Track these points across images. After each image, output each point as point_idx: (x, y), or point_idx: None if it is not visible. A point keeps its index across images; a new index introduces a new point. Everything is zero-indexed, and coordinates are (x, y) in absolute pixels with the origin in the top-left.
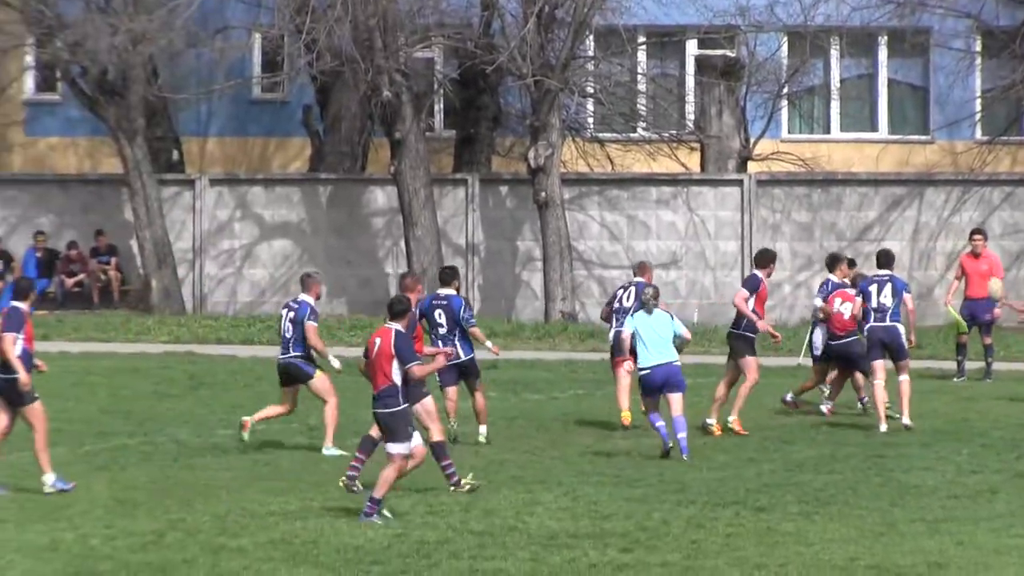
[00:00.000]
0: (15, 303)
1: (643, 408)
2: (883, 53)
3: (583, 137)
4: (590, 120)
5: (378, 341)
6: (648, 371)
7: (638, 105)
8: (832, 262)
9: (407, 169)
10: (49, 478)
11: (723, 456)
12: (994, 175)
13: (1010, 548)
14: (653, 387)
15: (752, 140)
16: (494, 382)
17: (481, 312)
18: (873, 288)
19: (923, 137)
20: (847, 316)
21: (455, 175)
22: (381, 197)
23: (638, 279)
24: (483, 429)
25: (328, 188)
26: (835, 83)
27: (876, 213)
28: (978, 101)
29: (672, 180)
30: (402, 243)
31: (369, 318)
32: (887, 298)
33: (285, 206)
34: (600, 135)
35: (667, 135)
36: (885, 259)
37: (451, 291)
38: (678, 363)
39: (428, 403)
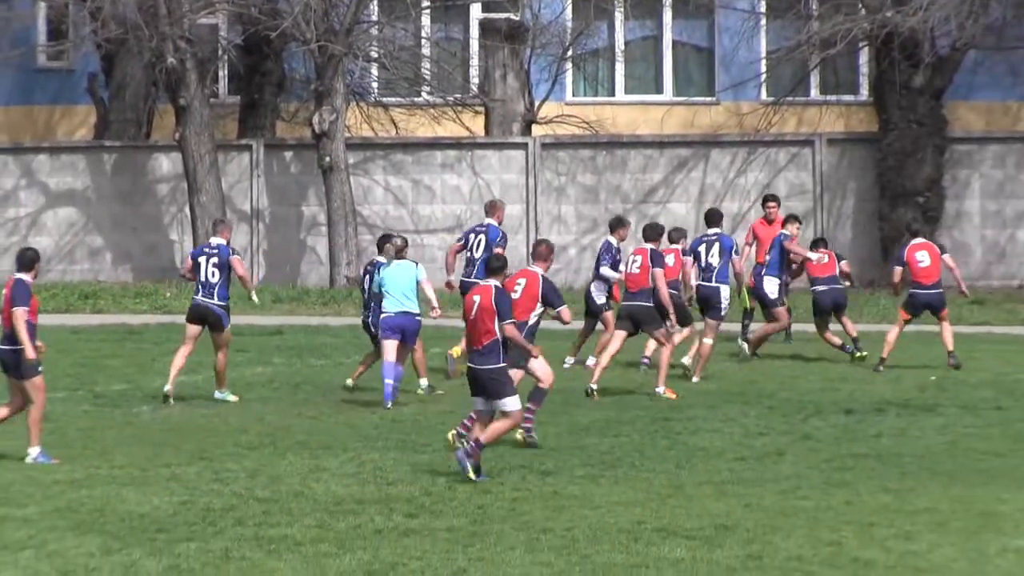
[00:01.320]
0: (20, 275)
1: None
2: (668, 15)
3: (367, 102)
4: (374, 85)
5: (477, 298)
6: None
7: (422, 69)
8: (617, 224)
9: (191, 135)
10: (34, 451)
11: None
12: (780, 136)
13: (797, 510)
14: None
15: (537, 103)
16: (278, 348)
17: (266, 278)
18: (702, 248)
19: (708, 99)
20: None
21: (240, 141)
22: (166, 164)
23: (489, 221)
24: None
25: (113, 155)
26: (620, 45)
27: (661, 175)
28: (763, 62)
29: (457, 144)
30: (187, 209)
31: (154, 284)
32: (715, 258)
33: (70, 174)
34: (384, 100)
35: (451, 99)
36: (713, 218)
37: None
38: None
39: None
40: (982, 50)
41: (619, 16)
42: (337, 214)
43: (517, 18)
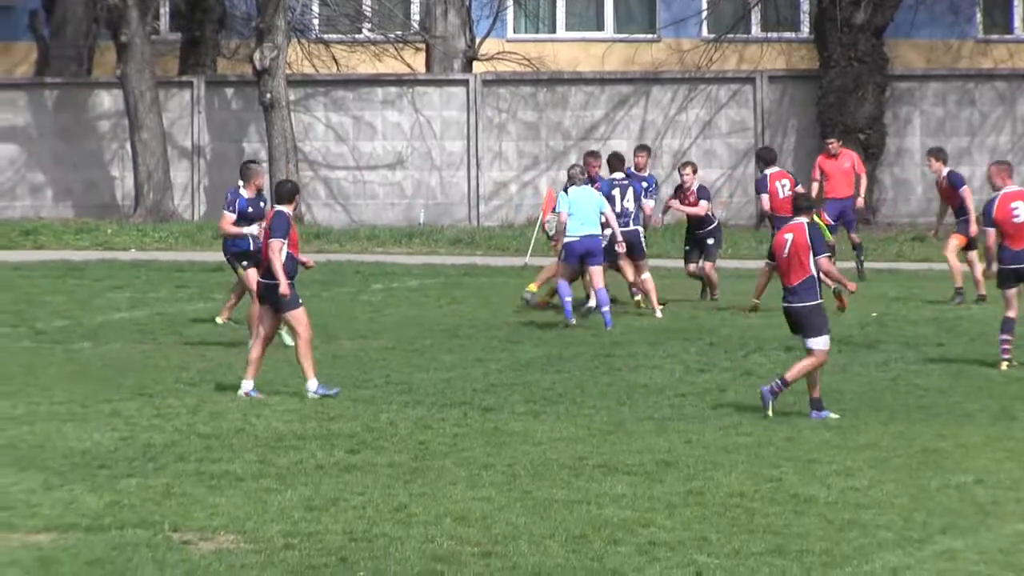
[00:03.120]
0: (280, 207)
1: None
2: None
3: (308, 39)
4: (315, 21)
5: (790, 236)
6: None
7: (363, 6)
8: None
9: (133, 72)
10: (312, 384)
11: (449, 356)
12: (720, 73)
13: (738, 446)
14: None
15: (478, 40)
16: (219, 284)
17: (207, 215)
18: (616, 192)
19: (649, 36)
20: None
21: (181, 78)
22: (107, 100)
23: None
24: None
25: (54, 92)
26: None
27: (602, 112)
28: None
29: (398, 81)
30: (128, 146)
31: (95, 222)
32: (629, 202)
33: (11, 110)
34: (325, 36)
35: (392, 36)
36: (616, 162)
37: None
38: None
39: None
40: None
41: None
42: (278, 151)
43: None
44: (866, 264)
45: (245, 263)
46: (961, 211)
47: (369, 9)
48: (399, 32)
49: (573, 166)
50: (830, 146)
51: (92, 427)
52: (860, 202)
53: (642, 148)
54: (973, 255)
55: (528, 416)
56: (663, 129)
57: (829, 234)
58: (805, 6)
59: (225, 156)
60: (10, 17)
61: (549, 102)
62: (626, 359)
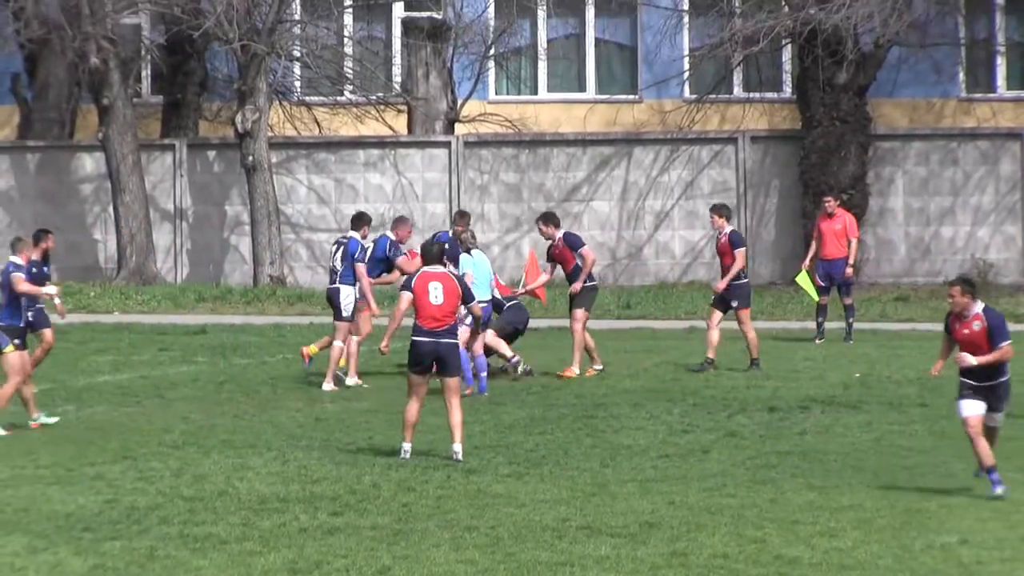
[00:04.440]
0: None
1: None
2: (590, 12)
3: (290, 101)
4: (297, 84)
5: None
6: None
7: (345, 68)
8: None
9: (115, 135)
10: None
11: (434, 419)
12: (703, 133)
13: (722, 507)
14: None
15: (459, 102)
16: (202, 347)
17: (190, 276)
18: (333, 248)
19: (631, 96)
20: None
21: (163, 140)
22: (90, 163)
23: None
24: None
25: (37, 155)
26: (542, 43)
27: (585, 173)
28: (686, 60)
29: (380, 143)
30: (111, 209)
31: (78, 284)
32: (338, 261)
33: None
34: (307, 99)
35: (374, 98)
36: (353, 221)
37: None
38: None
39: None
40: (905, 47)
41: (541, 14)
42: (260, 213)
43: (439, 16)
44: (859, 325)
45: (17, 340)
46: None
47: (351, 71)
48: (381, 94)
49: (465, 230)
50: (827, 205)
51: (76, 490)
52: (848, 271)
53: (462, 215)
54: None
55: (511, 478)
56: (645, 190)
57: (814, 295)
58: (787, 66)
59: (208, 219)
60: None
61: (531, 163)
62: (609, 420)
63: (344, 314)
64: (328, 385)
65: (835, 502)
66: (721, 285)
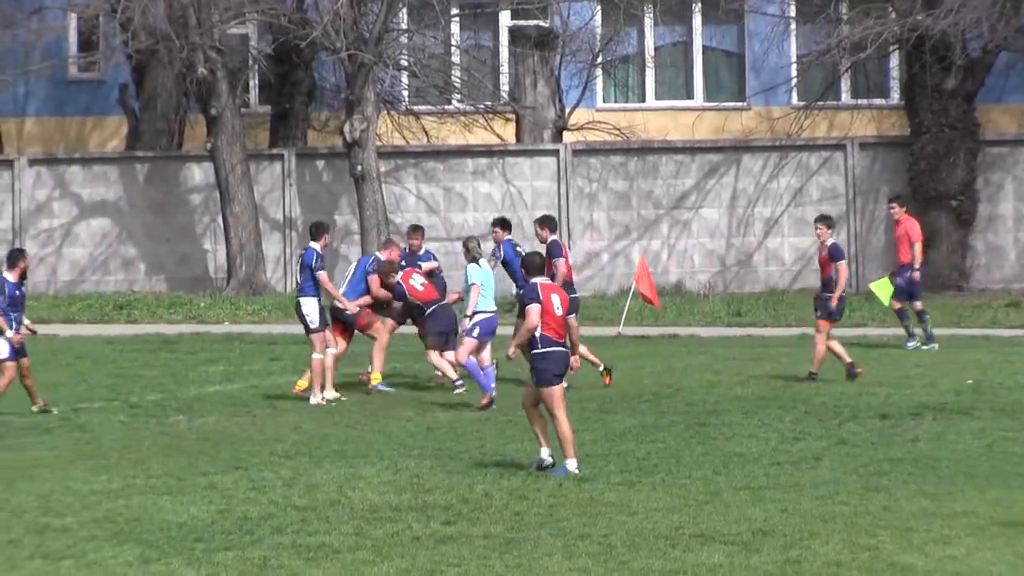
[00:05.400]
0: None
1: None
2: (697, 20)
3: (398, 110)
4: (405, 93)
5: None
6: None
7: (453, 77)
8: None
9: (223, 145)
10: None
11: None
12: (811, 140)
13: (835, 515)
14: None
15: (567, 110)
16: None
17: None
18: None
19: (739, 104)
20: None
21: (271, 150)
22: (198, 174)
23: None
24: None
25: (145, 166)
26: (649, 51)
27: (693, 180)
28: (793, 67)
29: (488, 151)
30: (220, 219)
31: (188, 295)
32: (299, 273)
33: (103, 185)
34: (415, 107)
35: (482, 106)
36: (310, 230)
37: None
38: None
39: None
40: (1014, 52)
41: (648, 22)
42: (369, 222)
43: (547, 25)
44: (962, 330)
45: None
46: None
47: (459, 80)
48: (489, 103)
49: (470, 239)
50: (892, 211)
51: (188, 500)
52: (915, 275)
53: (415, 229)
54: None
55: (623, 486)
56: (754, 197)
57: (885, 300)
58: (895, 72)
59: None
60: (101, 91)
61: (640, 171)
62: (721, 428)
63: (312, 326)
64: (316, 399)
65: (948, 509)
66: (833, 301)
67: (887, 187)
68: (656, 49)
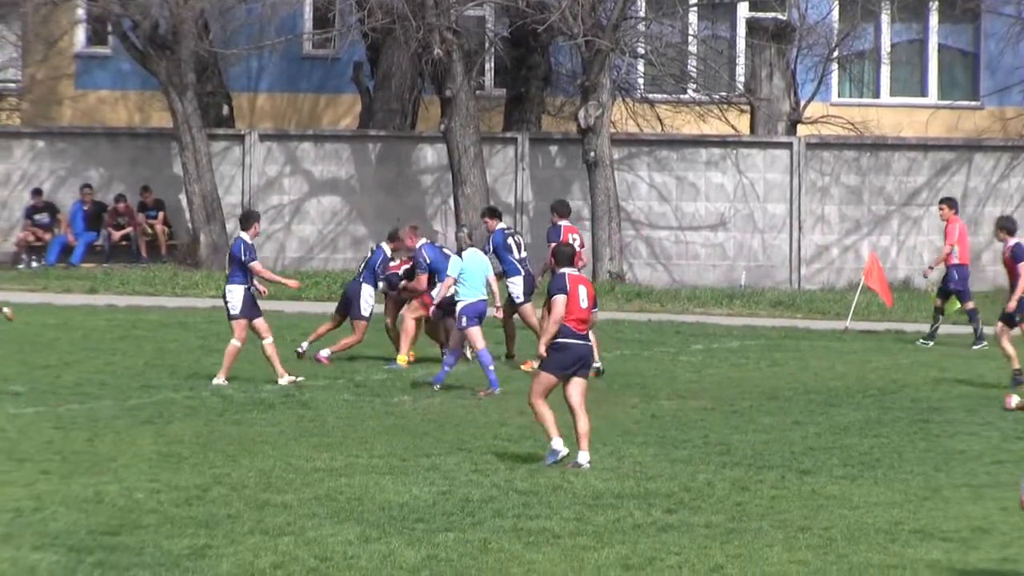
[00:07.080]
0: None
1: None
2: (933, 18)
3: (633, 98)
4: (640, 81)
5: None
6: None
7: (688, 67)
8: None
9: (457, 127)
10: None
11: (768, 419)
12: None
13: None
14: None
15: (802, 103)
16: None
17: None
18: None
19: (972, 103)
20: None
21: (505, 134)
22: (431, 155)
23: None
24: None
25: (378, 145)
26: (885, 48)
27: (925, 178)
28: None
29: (721, 142)
30: (451, 201)
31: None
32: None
33: (334, 163)
34: (650, 96)
35: (717, 97)
36: (243, 221)
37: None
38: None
39: None
40: None
41: (885, 19)
42: (601, 209)
43: (784, 18)
44: None
45: None
46: None
47: (694, 70)
48: (723, 93)
49: (460, 228)
50: (940, 212)
51: (410, 480)
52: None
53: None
54: None
55: (845, 480)
56: (984, 196)
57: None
58: None
59: (548, 213)
60: (335, 69)
61: (872, 167)
62: (943, 425)
63: (232, 312)
64: (284, 379)
65: None
66: (1011, 305)
67: None
68: (892, 46)
